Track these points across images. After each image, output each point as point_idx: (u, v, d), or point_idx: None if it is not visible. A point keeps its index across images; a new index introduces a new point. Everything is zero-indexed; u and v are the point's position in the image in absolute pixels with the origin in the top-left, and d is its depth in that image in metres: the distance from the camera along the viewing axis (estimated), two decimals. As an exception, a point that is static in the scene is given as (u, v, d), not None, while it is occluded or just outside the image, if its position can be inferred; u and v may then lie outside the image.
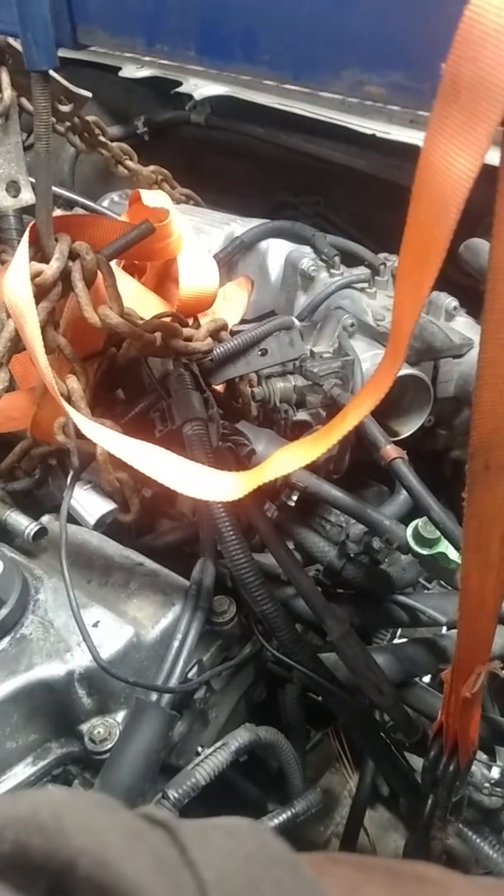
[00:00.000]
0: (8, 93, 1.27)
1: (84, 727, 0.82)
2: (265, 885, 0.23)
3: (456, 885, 0.30)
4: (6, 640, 0.81)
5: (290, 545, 0.98)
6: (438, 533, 0.85)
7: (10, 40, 1.25)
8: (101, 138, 1.53)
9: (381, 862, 0.33)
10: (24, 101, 1.32)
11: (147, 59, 1.70)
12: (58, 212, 1.23)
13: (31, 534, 0.92)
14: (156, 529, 1.11)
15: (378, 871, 0.31)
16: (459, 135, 0.42)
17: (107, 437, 0.84)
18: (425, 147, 0.44)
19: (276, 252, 1.40)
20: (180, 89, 1.68)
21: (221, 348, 1.03)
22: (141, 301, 1.08)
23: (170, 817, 0.25)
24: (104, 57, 1.77)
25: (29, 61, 0.71)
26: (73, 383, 0.93)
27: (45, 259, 0.90)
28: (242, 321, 1.37)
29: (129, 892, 0.21)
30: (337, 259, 1.33)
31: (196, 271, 1.12)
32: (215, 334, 1.04)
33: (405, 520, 0.94)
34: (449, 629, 1.03)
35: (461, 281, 1.08)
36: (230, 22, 0.56)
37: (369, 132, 1.37)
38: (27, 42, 0.70)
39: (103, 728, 0.81)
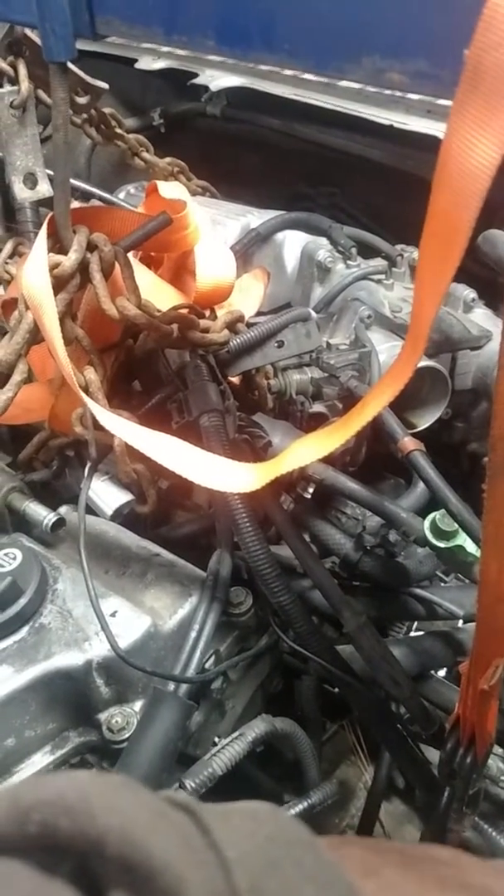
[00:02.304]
0: (25, 85, 1.27)
1: (102, 716, 0.82)
2: (286, 865, 0.23)
3: (468, 866, 0.30)
4: (25, 629, 0.82)
5: (307, 537, 0.98)
6: (456, 525, 0.85)
7: (28, 32, 1.26)
8: (118, 130, 1.53)
9: (395, 845, 0.33)
10: (40, 92, 1.32)
11: (165, 49, 1.71)
12: (75, 204, 1.23)
13: (50, 524, 0.92)
14: (172, 520, 1.12)
15: (393, 853, 0.31)
16: (482, 122, 0.41)
17: (124, 429, 0.84)
18: (447, 136, 0.43)
19: (293, 243, 1.39)
20: (196, 81, 1.68)
21: (238, 340, 1.03)
22: (158, 293, 1.08)
23: (191, 800, 0.26)
24: (120, 49, 1.77)
25: (48, 53, 0.71)
26: (91, 375, 0.93)
27: (63, 251, 0.90)
28: (259, 313, 1.37)
29: (158, 870, 0.21)
30: (353, 250, 1.33)
31: (213, 263, 1.12)
32: (232, 326, 1.04)
33: (422, 512, 0.94)
34: (466, 623, 1.03)
35: (479, 272, 1.07)
36: (249, 10, 0.56)
37: (386, 123, 1.36)
38: (46, 33, 0.70)
39: (121, 717, 0.82)
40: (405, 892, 0.26)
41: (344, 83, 1.45)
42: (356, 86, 1.45)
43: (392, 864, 0.28)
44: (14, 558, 0.85)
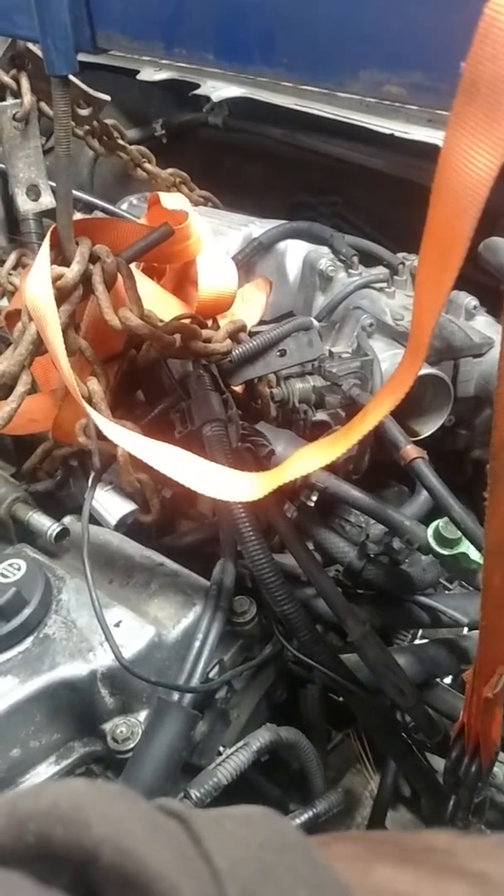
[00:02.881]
0: (28, 98, 1.28)
1: (106, 726, 0.83)
2: (279, 871, 0.23)
3: (464, 852, 0.30)
4: (29, 639, 0.82)
5: (310, 545, 0.98)
6: (459, 533, 0.85)
7: (30, 45, 1.27)
8: (120, 141, 1.54)
9: (390, 836, 0.33)
10: (42, 105, 1.33)
11: (165, 62, 1.72)
12: (77, 215, 1.24)
13: (54, 534, 0.92)
14: (176, 530, 1.12)
15: (387, 846, 0.31)
16: (479, 133, 0.42)
17: (127, 439, 0.84)
18: (445, 146, 0.44)
19: (295, 253, 1.40)
20: (198, 91, 1.69)
21: (240, 349, 1.04)
22: (160, 303, 1.08)
23: (183, 808, 0.26)
24: (122, 60, 1.78)
25: (49, 67, 0.72)
26: (94, 385, 0.94)
27: (66, 262, 0.90)
28: (261, 322, 1.37)
29: (152, 879, 0.21)
30: (355, 259, 1.33)
31: (215, 273, 1.13)
32: (234, 335, 1.05)
33: (426, 520, 0.94)
34: (470, 630, 1.02)
35: (481, 280, 1.07)
36: (248, 24, 0.56)
37: (387, 132, 1.37)
38: (47, 48, 0.71)
39: (125, 727, 0.82)
40: (399, 886, 0.26)
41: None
42: (357, 96, 1.45)
43: (386, 857, 0.28)
44: (18, 569, 0.85)
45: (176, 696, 0.85)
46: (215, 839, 0.24)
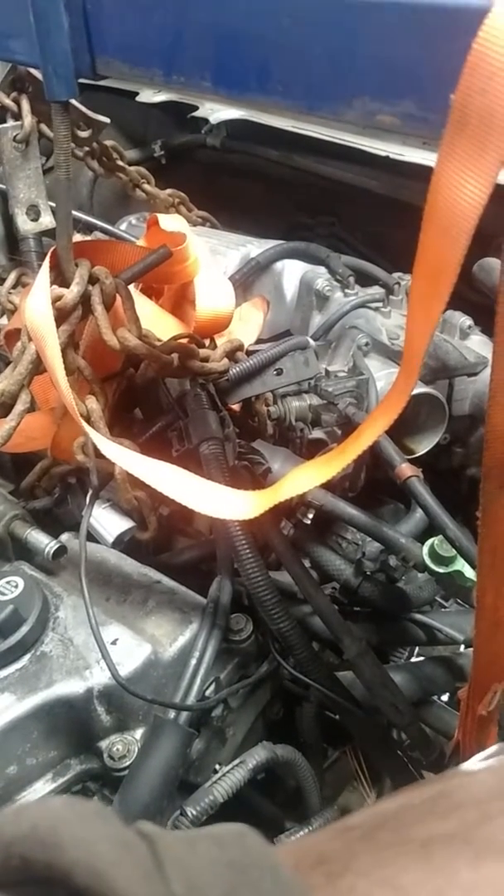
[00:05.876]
0: (28, 120, 1.30)
1: (103, 744, 0.83)
2: (243, 892, 0.23)
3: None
4: (26, 657, 0.82)
5: (307, 563, 0.98)
6: (454, 551, 0.86)
7: (31, 69, 1.29)
8: (119, 162, 1.56)
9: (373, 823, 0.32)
10: (42, 126, 1.34)
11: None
12: (77, 236, 1.25)
13: (51, 552, 0.93)
14: (173, 547, 1.12)
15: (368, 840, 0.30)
16: (469, 163, 0.43)
17: (125, 457, 0.85)
18: (436, 173, 0.45)
19: (291, 272, 1.41)
20: (196, 113, 1.71)
21: (237, 368, 1.05)
22: (158, 323, 1.09)
23: (156, 830, 0.26)
24: (121, 82, 1.80)
25: (49, 92, 0.73)
26: (93, 404, 0.95)
27: (66, 283, 0.91)
28: (258, 341, 1.39)
29: None
30: (351, 279, 1.35)
31: (212, 293, 1.14)
32: (231, 354, 1.06)
33: (421, 538, 0.95)
34: (466, 647, 1.03)
35: (476, 299, 1.08)
36: (244, 53, 0.57)
37: (383, 154, 1.38)
38: (48, 74, 0.72)
39: (122, 745, 0.82)
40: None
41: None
42: (351, 124, 1.47)
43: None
44: (16, 586, 0.85)
45: (172, 713, 0.85)
46: (180, 861, 0.24)
